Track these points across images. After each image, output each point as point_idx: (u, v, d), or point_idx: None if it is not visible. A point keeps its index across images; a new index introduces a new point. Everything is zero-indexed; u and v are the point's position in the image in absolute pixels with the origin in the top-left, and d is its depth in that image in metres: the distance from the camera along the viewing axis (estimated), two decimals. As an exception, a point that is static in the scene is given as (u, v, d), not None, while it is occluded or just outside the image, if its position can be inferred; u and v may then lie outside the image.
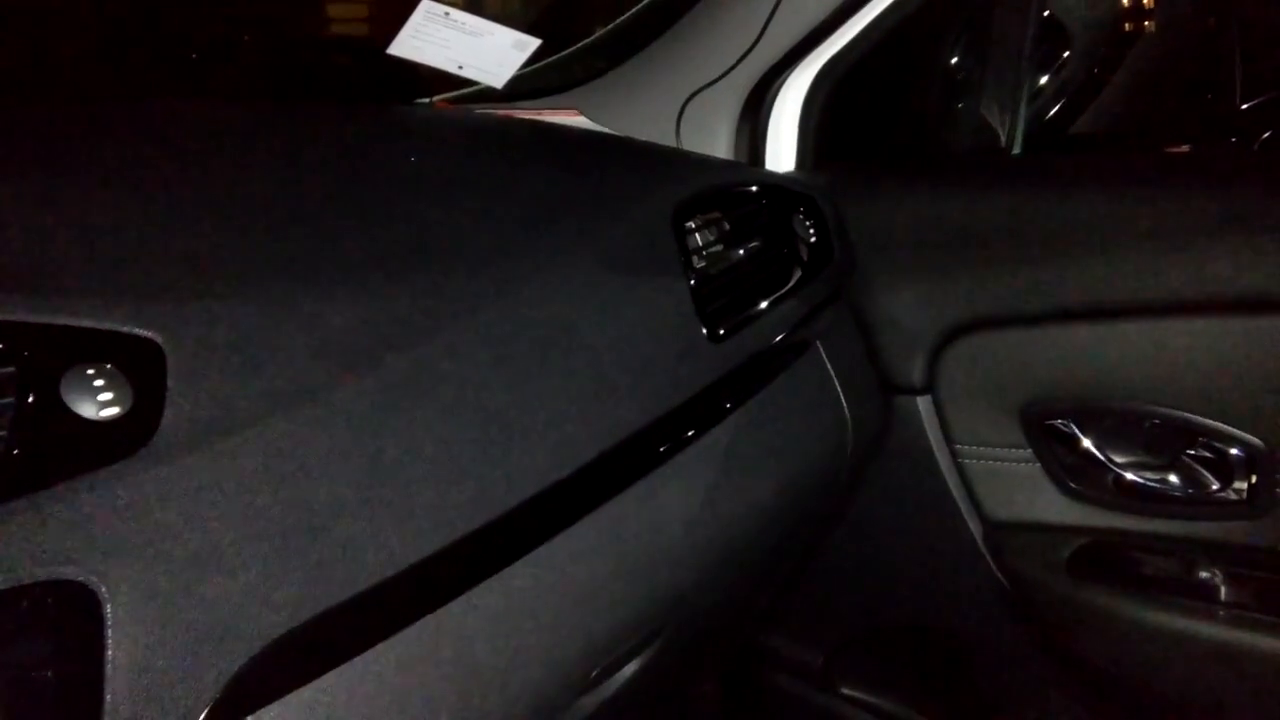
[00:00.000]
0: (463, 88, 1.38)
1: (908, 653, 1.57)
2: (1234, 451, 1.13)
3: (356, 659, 0.61)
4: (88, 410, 0.52)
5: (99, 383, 0.53)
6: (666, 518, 0.89)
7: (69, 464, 0.51)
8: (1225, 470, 1.14)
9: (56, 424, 0.51)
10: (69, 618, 0.49)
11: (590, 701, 0.88)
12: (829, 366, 1.21)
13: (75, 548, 0.49)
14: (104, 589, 0.50)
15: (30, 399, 0.51)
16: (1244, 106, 1.87)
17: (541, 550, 0.75)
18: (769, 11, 1.30)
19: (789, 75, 1.35)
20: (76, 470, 0.51)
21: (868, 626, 1.55)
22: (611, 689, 0.91)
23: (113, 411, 0.53)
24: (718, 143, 1.38)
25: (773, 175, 1.34)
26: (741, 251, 1.10)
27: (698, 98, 1.37)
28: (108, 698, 0.49)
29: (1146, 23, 1.97)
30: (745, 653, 1.60)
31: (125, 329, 0.55)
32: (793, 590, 1.49)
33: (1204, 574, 1.18)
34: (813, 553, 1.43)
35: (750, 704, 1.62)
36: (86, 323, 0.54)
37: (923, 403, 1.31)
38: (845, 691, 1.52)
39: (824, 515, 1.34)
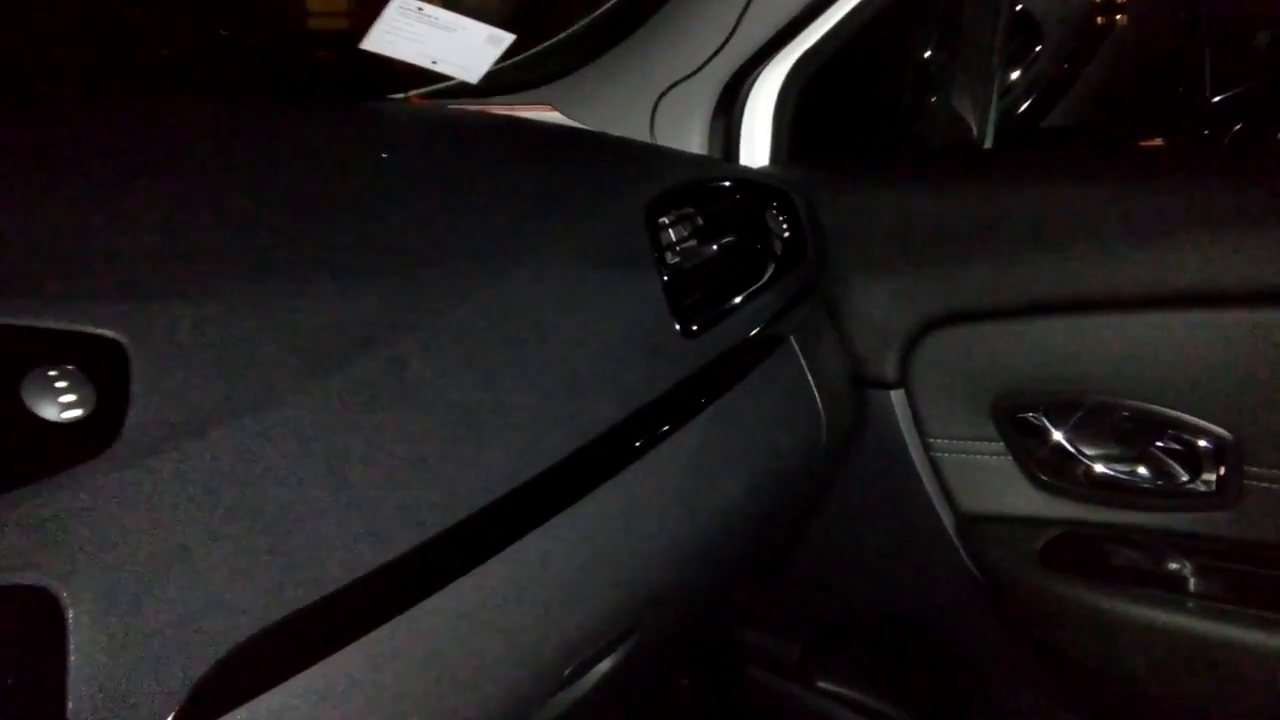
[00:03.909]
0: (437, 83, 1.37)
1: (882, 645, 1.58)
2: (1203, 443, 1.14)
3: (326, 661, 0.60)
4: (49, 412, 0.51)
5: (61, 384, 0.52)
6: (640, 514, 0.89)
7: (30, 467, 0.50)
8: (1194, 462, 1.15)
9: (17, 426, 0.50)
10: (30, 624, 0.48)
11: (565, 699, 0.88)
12: (802, 361, 1.21)
13: (36, 552, 0.48)
14: (66, 594, 0.49)
15: (-10, 401, 0.50)
16: (1214, 100, 1.89)
17: (514, 548, 0.75)
18: (742, 6, 1.30)
19: (763, 70, 1.35)
20: (38, 473, 0.50)
21: (843, 620, 1.56)
22: (586, 686, 0.90)
23: (75, 413, 0.52)
24: (692, 138, 1.39)
25: (746, 170, 1.35)
26: (715, 247, 1.10)
27: (671, 93, 1.37)
28: (70, 705, 0.48)
29: (1118, 17, 1.98)
30: (721, 647, 1.60)
31: (88, 329, 0.55)
32: (767, 584, 1.50)
33: (1174, 565, 1.19)
34: (787, 547, 1.43)
35: (726, 698, 1.63)
36: (48, 323, 0.53)
37: (896, 396, 1.31)
38: (820, 684, 1.53)
39: (798, 509, 1.35)
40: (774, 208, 1.22)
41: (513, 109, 1.40)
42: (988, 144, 1.58)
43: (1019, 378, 1.23)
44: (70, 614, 0.49)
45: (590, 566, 0.82)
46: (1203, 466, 1.15)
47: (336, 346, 0.66)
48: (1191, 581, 1.17)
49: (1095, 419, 1.20)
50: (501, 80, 1.44)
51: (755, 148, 1.39)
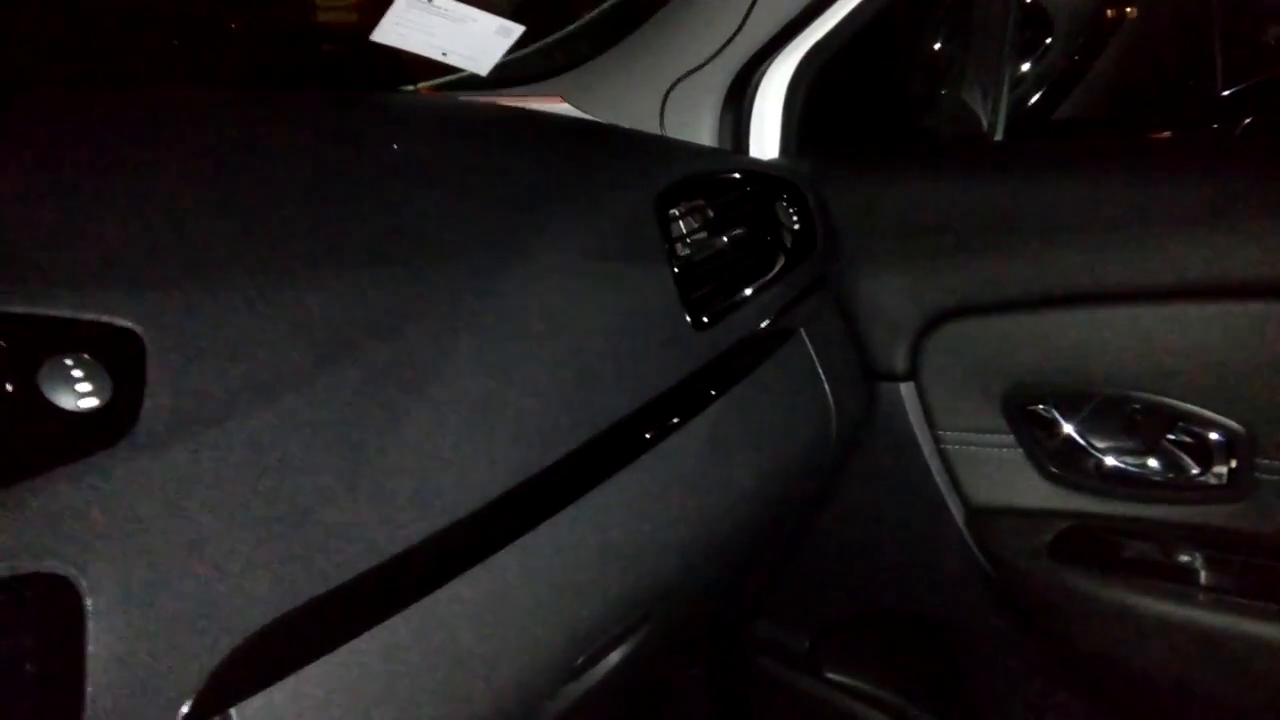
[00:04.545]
0: (447, 75, 1.37)
1: (892, 637, 1.58)
2: (1214, 436, 1.14)
3: (341, 649, 0.61)
4: (66, 401, 0.51)
5: (77, 373, 0.52)
6: (651, 505, 0.89)
7: (47, 455, 0.50)
8: (1205, 454, 1.15)
9: (34, 415, 0.50)
10: (49, 611, 0.49)
11: (576, 689, 0.88)
12: (813, 353, 1.21)
13: (55, 540, 0.49)
14: (84, 582, 0.49)
15: (7, 389, 0.50)
16: (1225, 93, 1.88)
17: (526, 539, 0.75)
18: (752, -3, 1.30)
19: (773, 62, 1.35)
20: (55, 462, 0.50)
21: (852, 611, 1.56)
22: (597, 676, 0.91)
23: (91, 402, 0.52)
24: (702, 130, 1.38)
25: (756, 162, 1.34)
26: (725, 239, 1.10)
27: (681, 84, 1.37)
28: (89, 691, 0.49)
29: (1128, 10, 1.97)
30: (730, 638, 1.60)
31: (104, 319, 0.55)
32: (777, 576, 1.50)
33: (1184, 558, 1.19)
34: (797, 539, 1.43)
35: (735, 689, 1.63)
36: (65, 313, 0.54)
37: (906, 389, 1.31)
38: (830, 675, 1.53)
39: (808, 502, 1.35)
40: (784, 200, 1.22)
41: (523, 101, 1.40)
42: (999, 136, 1.58)
43: (1030, 370, 1.23)
44: (88, 601, 0.49)
45: (601, 557, 0.83)
46: (1214, 459, 1.15)
47: (350, 336, 0.66)
48: (1202, 574, 1.17)
49: (1106, 411, 1.20)
50: (511, 72, 1.43)
51: (765, 139, 1.39)
